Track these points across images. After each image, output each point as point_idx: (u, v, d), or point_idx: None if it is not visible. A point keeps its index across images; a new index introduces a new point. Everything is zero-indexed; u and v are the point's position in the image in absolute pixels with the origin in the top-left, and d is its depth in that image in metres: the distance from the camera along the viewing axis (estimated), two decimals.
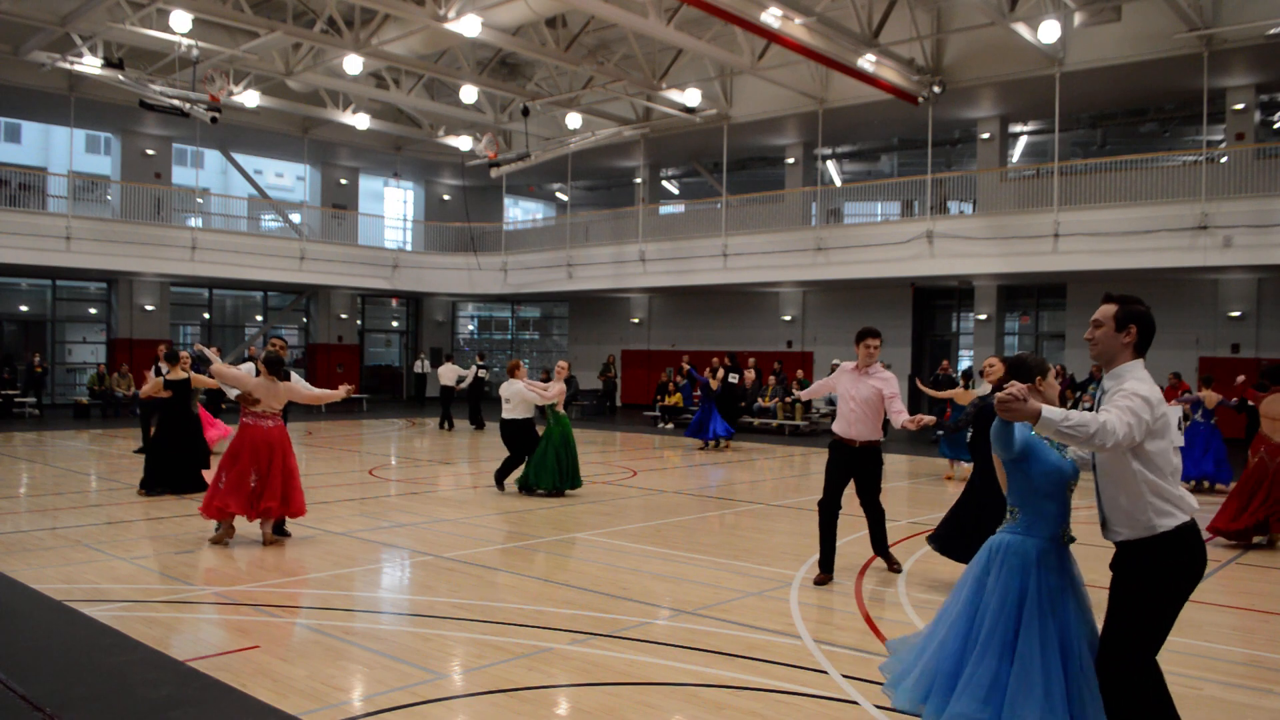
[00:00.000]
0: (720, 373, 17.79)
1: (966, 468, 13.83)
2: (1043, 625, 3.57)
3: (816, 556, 7.85)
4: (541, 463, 10.91)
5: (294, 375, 8.75)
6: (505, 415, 11.33)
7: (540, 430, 11.25)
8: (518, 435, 11.27)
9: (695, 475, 13.82)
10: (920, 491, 12.57)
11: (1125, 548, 3.44)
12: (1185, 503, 3.40)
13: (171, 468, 10.61)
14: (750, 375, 19.90)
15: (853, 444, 7.01)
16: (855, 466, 7.04)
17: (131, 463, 13.98)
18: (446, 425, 20.53)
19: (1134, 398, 3.35)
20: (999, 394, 3.31)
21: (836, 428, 7.13)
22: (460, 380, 20.74)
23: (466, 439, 18.80)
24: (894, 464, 15.83)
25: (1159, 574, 3.40)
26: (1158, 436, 3.39)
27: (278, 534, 8.16)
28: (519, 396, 11.12)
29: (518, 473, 11.40)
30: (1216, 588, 7.05)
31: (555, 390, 11.12)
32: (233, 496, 7.80)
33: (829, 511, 7.04)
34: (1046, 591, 3.60)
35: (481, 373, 20.97)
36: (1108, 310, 3.49)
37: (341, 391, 8.40)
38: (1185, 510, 3.40)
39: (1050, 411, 3.22)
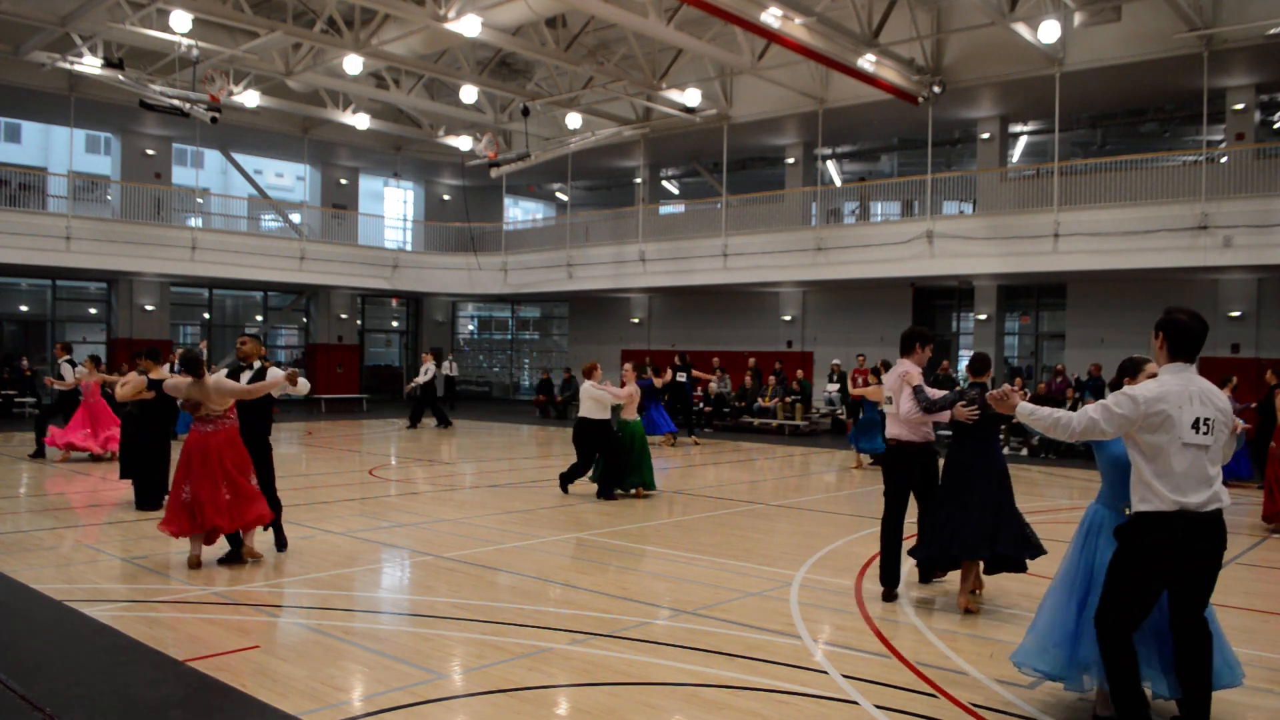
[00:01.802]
0: (668, 372, 18.00)
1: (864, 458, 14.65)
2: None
3: (818, 556, 7.86)
4: (627, 464, 11.07)
5: (221, 374, 7.60)
6: (580, 414, 11.33)
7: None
8: (587, 434, 11.19)
9: (695, 475, 13.81)
10: None
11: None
12: (1165, 497, 3.86)
13: (161, 479, 9.66)
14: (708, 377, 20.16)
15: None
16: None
17: None
18: (444, 423, 20.59)
19: (1120, 395, 3.94)
20: (992, 392, 4.19)
21: (926, 434, 6.70)
22: (426, 372, 20.68)
23: (470, 439, 18.80)
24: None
25: (1124, 549, 4.01)
26: (1150, 431, 3.90)
27: (278, 546, 7.51)
28: (588, 396, 11.19)
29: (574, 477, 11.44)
30: (1217, 588, 7.04)
31: (626, 391, 11.34)
32: (174, 513, 7.02)
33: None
34: (1105, 551, 4.27)
35: (437, 370, 20.92)
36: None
37: (282, 375, 7.32)
38: (1163, 502, 3.86)
39: (1023, 406, 4.14)
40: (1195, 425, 3.85)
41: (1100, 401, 3.96)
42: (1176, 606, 3.98)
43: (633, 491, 11.20)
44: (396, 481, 12.60)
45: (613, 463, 11.09)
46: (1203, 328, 3.98)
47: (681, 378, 18.55)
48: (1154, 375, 4.16)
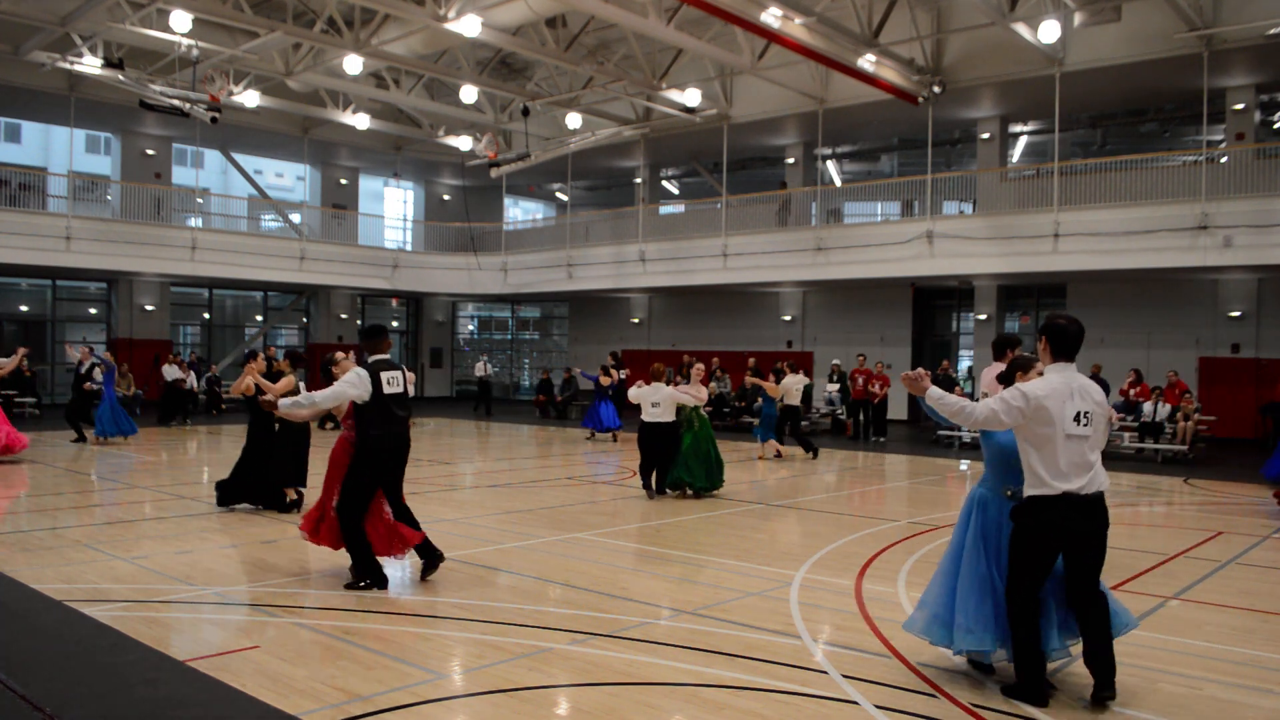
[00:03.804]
0: (614, 373, 19.01)
1: (773, 446, 15.68)
2: (984, 552, 4.73)
3: (818, 556, 7.86)
4: (700, 462, 11.00)
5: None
6: (655, 419, 11.03)
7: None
8: (666, 437, 11.01)
9: None
10: (920, 491, 12.57)
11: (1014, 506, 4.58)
12: (1050, 484, 4.36)
13: (256, 478, 9.65)
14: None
15: None
16: None
17: (132, 462, 13.98)
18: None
19: (1015, 391, 4.41)
20: (906, 373, 4.49)
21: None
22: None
23: (470, 439, 18.80)
24: (894, 464, 15.83)
25: (1018, 529, 4.49)
26: (1039, 424, 4.37)
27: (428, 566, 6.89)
28: (670, 400, 11.01)
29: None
30: (1217, 588, 7.06)
31: (704, 392, 11.48)
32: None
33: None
34: (992, 527, 4.74)
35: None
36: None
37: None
38: (1049, 488, 4.36)
39: (933, 391, 4.48)
40: (1076, 418, 4.36)
41: (999, 395, 4.46)
42: (1072, 581, 4.47)
43: (688, 491, 11.13)
44: None
45: (666, 463, 11.03)
46: (1079, 330, 4.55)
47: (620, 374, 19.39)
48: (1041, 373, 4.64)
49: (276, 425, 9.57)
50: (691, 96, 20.86)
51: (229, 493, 9.67)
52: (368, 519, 6.66)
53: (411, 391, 6.92)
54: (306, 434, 9.75)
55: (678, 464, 11.00)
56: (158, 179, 25.31)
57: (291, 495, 9.75)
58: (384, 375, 6.56)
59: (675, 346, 27.11)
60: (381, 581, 6.52)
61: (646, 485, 11.11)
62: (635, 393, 11.21)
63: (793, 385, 15.96)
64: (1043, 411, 4.34)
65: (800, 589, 6.72)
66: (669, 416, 11.06)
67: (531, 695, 4.50)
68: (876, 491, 12.55)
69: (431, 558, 6.81)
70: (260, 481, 9.61)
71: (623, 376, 19.23)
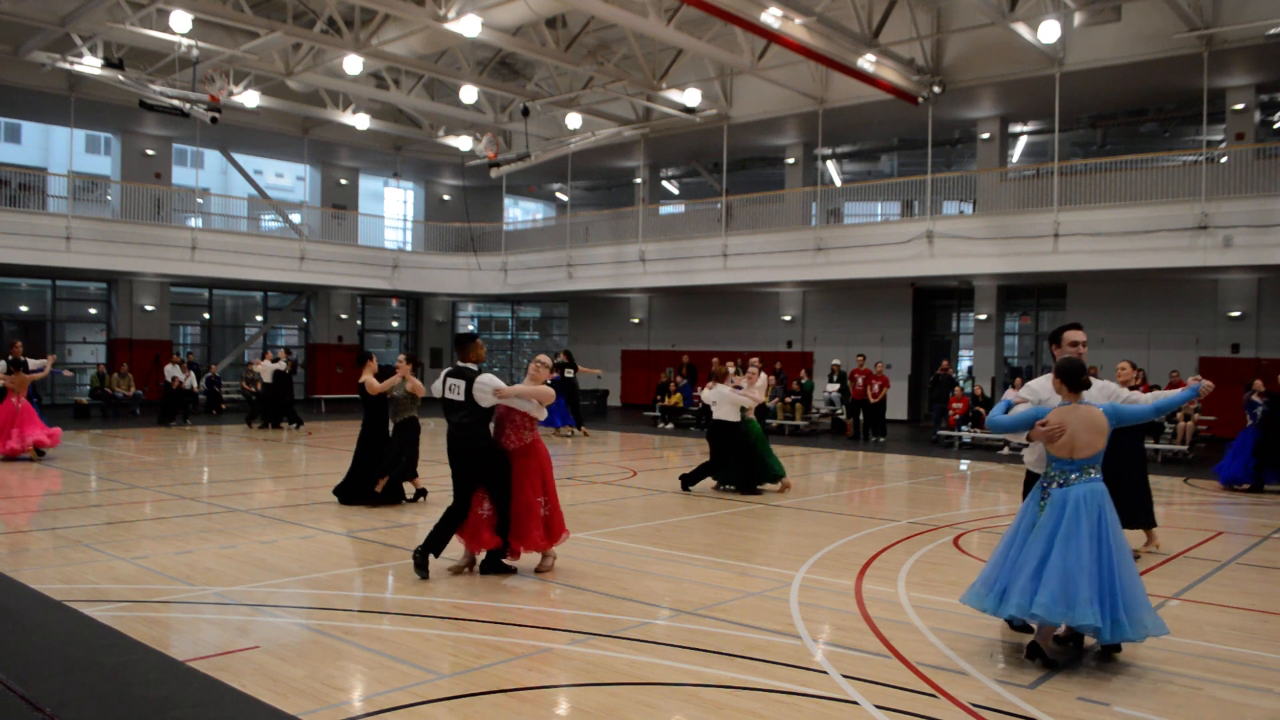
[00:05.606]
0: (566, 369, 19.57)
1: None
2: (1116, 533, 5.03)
3: (818, 556, 7.85)
4: (758, 464, 11.57)
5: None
6: (715, 417, 11.63)
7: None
8: (726, 436, 11.53)
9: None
10: (920, 491, 12.57)
11: None
12: None
13: (366, 477, 10.17)
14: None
15: None
16: None
17: (132, 462, 13.98)
18: (291, 424, 19.93)
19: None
20: (1205, 385, 5.39)
21: None
22: (276, 360, 20.06)
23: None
24: (894, 464, 15.84)
25: None
26: None
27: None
28: (725, 399, 11.46)
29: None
30: (1216, 588, 7.06)
31: (761, 392, 11.84)
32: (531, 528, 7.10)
33: None
34: (1111, 510, 5.03)
35: (284, 367, 20.07)
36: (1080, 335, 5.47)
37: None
38: None
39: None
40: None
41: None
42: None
43: (775, 487, 11.72)
44: None
45: (717, 466, 11.57)
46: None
47: (569, 374, 19.65)
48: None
49: (390, 423, 10.21)
50: (691, 96, 20.86)
51: (350, 494, 10.18)
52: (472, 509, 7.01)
53: (495, 398, 6.88)
54: (416, 429, 10.22)
55: (737, 469, 11.55)
56: (158, 179, 25.30)
57: (410, 490, 10.33)
58: (447, 382, 7.03)
59: (675, 347, 27.12)
60: (421, 568, 6.78)
61: (686, 479, 11.64)
62: (705, 395, 11.85)
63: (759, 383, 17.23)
64: None
65: (800, 589, 6.72)
66: (730, 416, 11.46)
67: (531, 695, 4.51)
68: (876, 491, 12.55)
69: (490, 569, 7.06)
70: (373, 477, 10.12)
71: (568, 374, 19.53)
